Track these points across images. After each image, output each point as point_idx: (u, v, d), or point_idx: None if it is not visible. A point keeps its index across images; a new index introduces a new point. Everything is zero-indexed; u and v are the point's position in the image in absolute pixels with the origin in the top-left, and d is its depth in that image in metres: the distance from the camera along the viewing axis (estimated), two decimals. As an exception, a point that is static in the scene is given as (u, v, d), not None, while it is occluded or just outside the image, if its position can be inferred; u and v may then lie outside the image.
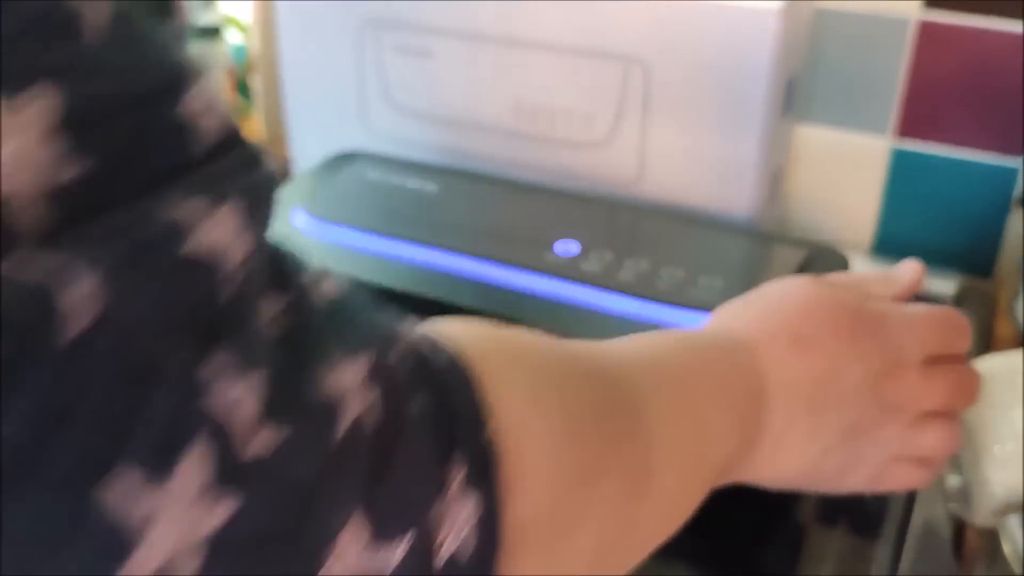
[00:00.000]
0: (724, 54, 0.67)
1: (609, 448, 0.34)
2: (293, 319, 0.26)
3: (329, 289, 0.28)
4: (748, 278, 0.60)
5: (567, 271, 0.59)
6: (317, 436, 0.25)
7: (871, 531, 0.54)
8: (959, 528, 0.54)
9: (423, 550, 0.27)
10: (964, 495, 0.54)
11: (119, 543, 0.21)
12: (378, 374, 0.27)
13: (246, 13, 0.97)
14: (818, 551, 0.53)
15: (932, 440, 0.45)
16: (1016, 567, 0.49)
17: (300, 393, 0.25)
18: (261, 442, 0.23)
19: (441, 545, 0.27)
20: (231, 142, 0.25)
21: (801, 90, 0.77)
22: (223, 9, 0.95)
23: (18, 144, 0.20)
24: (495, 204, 0.69)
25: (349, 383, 0.26)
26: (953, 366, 0.46)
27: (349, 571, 0.25)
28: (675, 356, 0.41)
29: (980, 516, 0.52)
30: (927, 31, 0.75)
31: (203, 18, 0.90)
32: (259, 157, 0.26)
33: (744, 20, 0.65)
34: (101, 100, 0.22)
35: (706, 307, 0.55)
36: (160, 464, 0.22)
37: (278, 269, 0.27)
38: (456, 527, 0.28)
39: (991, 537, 0.50)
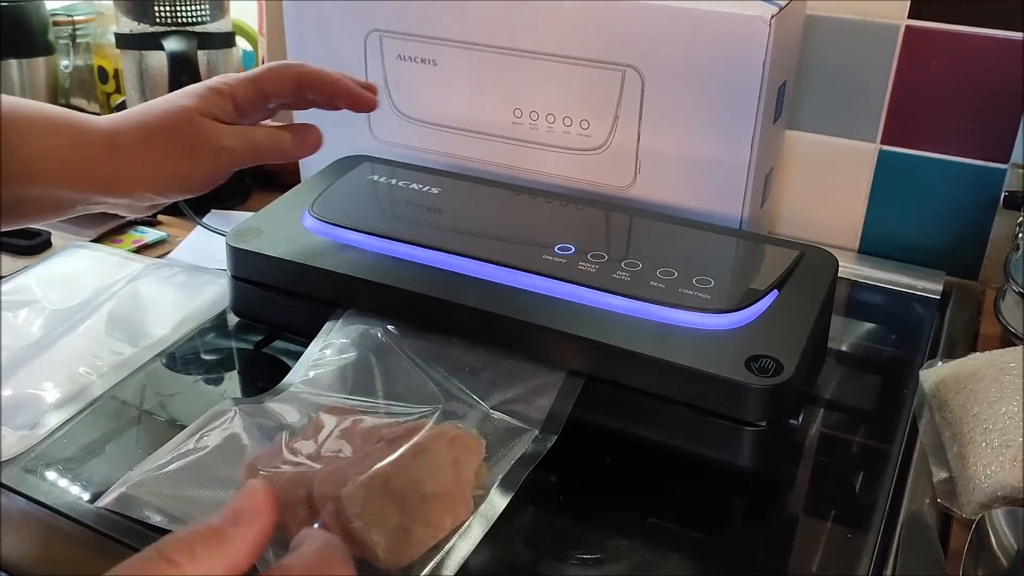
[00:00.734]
0: (717, 61, 0.67)
1: None
2: None
3: None
4: (739, 279, 0.61)
5: (565, 272, 0.60)
6: None
7: (860, 524, 0.54)
8: (946, 521, 0.54)
9: None
10: (951, 488, 0.55)
11: None
12: None
13: (255, 21, 0.98)
14: (807, 544, 0.54)
15: None
16: (1003, 560, 0.49)
17: None
18: None
19: None
20: None
21: (791, 95, 0.78)
22: (233, 16, 0.96)
23: None
24: (495, 207, 0.70)
25: None
26: None
27: None
28: None
29: (967, 509, 0.53)
30: (914, 36, 0.76)
31: (214, 25, 0.91)
32: None
33: (737, 27, 0.66)
34: None
35: (699, 307, 0.57)
36: None
37: None
38: None
39: (978, 530, 0.50)
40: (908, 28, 0.76)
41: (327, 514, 0.47)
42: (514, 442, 0.53)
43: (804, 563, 0.52)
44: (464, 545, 0.48)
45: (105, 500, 0.51)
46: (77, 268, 0.77)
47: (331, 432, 0.52)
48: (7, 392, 0.62)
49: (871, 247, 0.84)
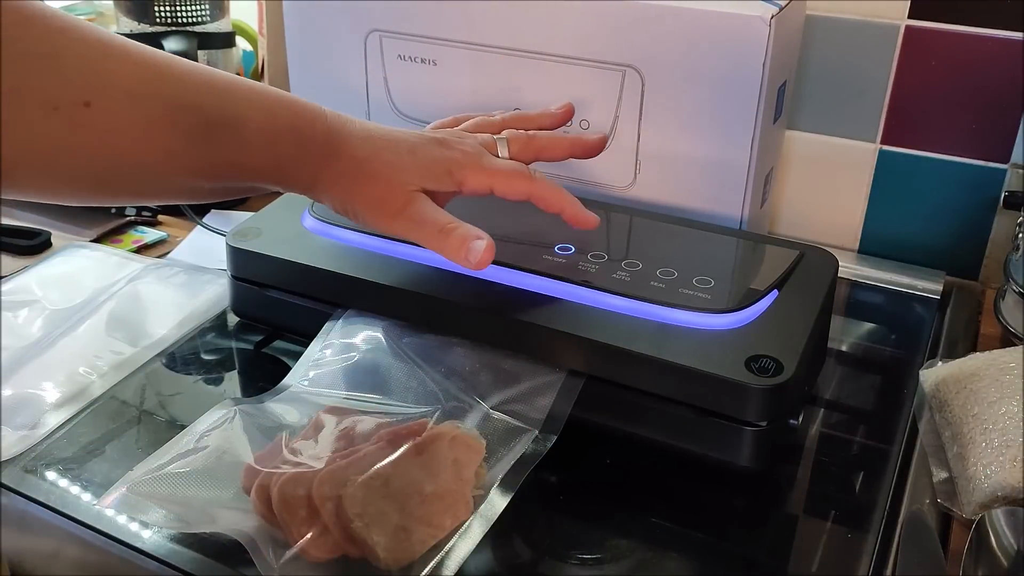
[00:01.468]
0: (717, 61, 0.67)
1: None
2: None
3: None
4: (739, 279, 0.61)
5: (565, 272, 0.60)
6: None
7: (860, 524, 0.54)
8: (946, 521, 0.54)
9: None
10: (951, 488, 0.55)
11: None
12: None
13: (255, 21, 0.98)
14: (807, 544, 0.54)
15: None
16: (1003, 560, 0.49)
17: None
18: None
19: None
20: None
21: (791, 95, 0.78)
22: (233, 17, 0.96)
23: None
24: (495, 207, 0.70)
25: None
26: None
27: None
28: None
29: (967, 509, 0.53)
30: (914, 36, 0.76)
31: (214, 25, 0.91)
32: None
33: (737, 27, 0.66)
34: None
35: (699, 307, 0.57)
36: None
37: None
38: None
39: (978, 530, 0.50)
40: (908, 28, 0.76)
41: (327, 514, 0.47)
42: (514, 442, 0.53)
43: (804, 563, 0.52)
44: (464, 545, 0.48)
45: (105, 500, 0.51)
46: (77, 268, 0.77)
47: (331, 432, 0.52)
48: (7, 392, 0.62)
49: (871, 247, 0.84)
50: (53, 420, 0.60)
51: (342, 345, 0.60)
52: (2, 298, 0.72)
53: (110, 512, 0.53)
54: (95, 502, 0.53)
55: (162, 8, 0.89)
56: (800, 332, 0.55)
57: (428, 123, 0.65)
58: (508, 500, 0.50)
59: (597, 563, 0.51)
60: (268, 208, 0.70)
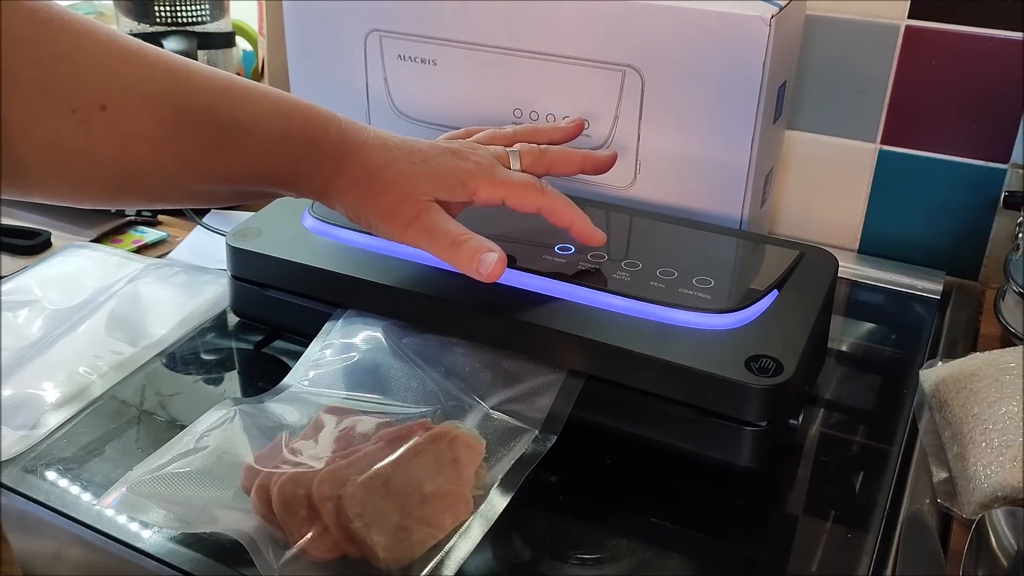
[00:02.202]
0: (717, 61, 0.67)
1: None
2: None
3: None
4: (739, 279, 0.61)
5: (565, 272, 0.60)
6: None
7: (860, 524, 0.54)
8: (946, 521, 0.54)
9: None
10: (951, 488, 0.55)
11: None
12: None
13: (255, 21, 0.98)
14: (807, 544, 0.54)
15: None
16: (1003, 560, 0.49)
17: None
18: None
19: None
20: None
21: (791, 95, 0.78)
22: (233, 17, 0.96)
23: None
24: (496, 208, 0.70)
25: None
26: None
27: None
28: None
29: (967, 509, 0.53)
30: (914, 36, 0.76)
31: (214, 25, 0.91)
32: None
33: (737, 27, 0.66)
34: None
35: (699, 307, 0.57)
36: None
37: None
38: None
39: (978, 530, 0.50)
40: (908, 28, 0.76)
41: (327, 514, 0.47)
42: (514, 442, 0.53)
43: (804, 563, 0.52)
44: (464, 545, 0.48)
45: (105, 500, 0.51)
46: (77, 268, 0.77)
47: (331, 432, 0.52)
48: (7, 392, 0.62)
49: (871, 247, 0.84)
50: (53, 420, 0.60)
51: (342, 345, 0.60)
52: (2, 298, 0.72)
53: (110, 512, 0.53)
54: (95, 502, 0.53)
55: (162, 8, 0.89)
56: (800, 332, 0.55)
57: (428, 123, 0.65)
58: (508, 500, 0.50)
59: (597, 563, 0.51)
60: (268, 208, 0.70)
